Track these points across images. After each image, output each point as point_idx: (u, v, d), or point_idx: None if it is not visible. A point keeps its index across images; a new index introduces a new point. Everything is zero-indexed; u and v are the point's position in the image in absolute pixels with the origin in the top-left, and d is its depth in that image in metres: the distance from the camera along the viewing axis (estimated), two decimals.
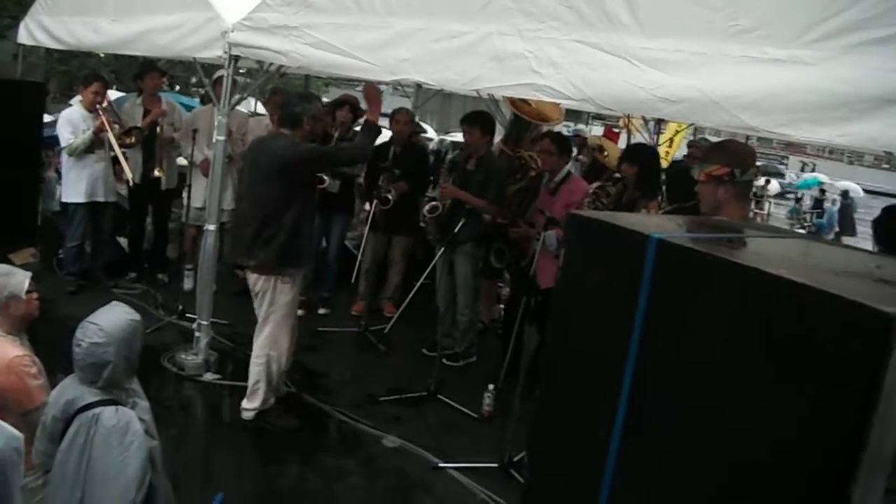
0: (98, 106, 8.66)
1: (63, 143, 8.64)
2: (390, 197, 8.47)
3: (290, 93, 7.22)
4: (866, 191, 37.49)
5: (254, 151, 6.50)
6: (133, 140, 8.87)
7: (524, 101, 8.45)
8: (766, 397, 2.14)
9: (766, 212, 29.13)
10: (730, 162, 4.01)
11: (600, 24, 4.62)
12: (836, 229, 27.87)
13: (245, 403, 6.33)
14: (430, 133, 11.30)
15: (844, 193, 30.89)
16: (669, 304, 2.49)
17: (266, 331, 6.25)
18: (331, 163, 6.99)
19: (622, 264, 2.67)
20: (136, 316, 3.79)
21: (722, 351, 2.29)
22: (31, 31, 9.59)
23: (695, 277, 2.42)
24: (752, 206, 29.31)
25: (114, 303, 3.87)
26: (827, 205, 30.97)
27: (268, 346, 6.25)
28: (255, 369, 6.29)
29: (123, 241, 9.84)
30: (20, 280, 4.26)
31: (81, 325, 3.64)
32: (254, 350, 6.33)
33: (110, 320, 3.64)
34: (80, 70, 18.51)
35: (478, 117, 7.97)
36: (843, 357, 1.95)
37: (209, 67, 8.48)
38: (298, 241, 6.11)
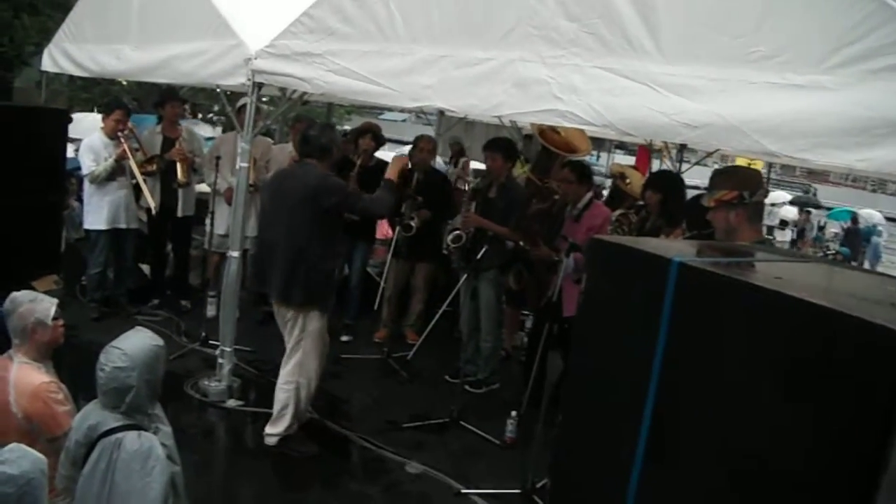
0: (119, 133, 8.73)
1: (85, 171, 8.69)
2: (413, 224, 8.46)
3: (312, 123, 7.18)
4: (889, 218, 37.27)
5: (279, 180, 6.54)
6: (154, 168, 8.94)
7: (554, 130, 8.48)
8: (786, 419, 2.14)
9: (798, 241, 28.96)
10: (737, 185, 4.07)
11: (622, 50, 4.66)
12: (880, 259, 27.20)
13: (269, 429, 6.32)
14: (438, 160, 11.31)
15: (854, 219, 30.65)
16: (691, 327, 2.49)
17: (296, 358, 6.24)
18: (353, 208, 6.61)
19: (644, 288, 2.67)
20: (160, 341, 3.81)
21: (743, 373, 2.30)
22: (54, 58, 9.65)
23: (716, 301, 2.43)
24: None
25: (137, 328, 3.89)
26: (874, 238, 30.24)
27: (297, 374, 6.24)
28: (282, 395, 6.27)
29: (146, 268, 9.90)
30: (47, 307, 4.30)
31: (105, 349, 3.66)
32: (281, 376, 6.32)
33: (134, 345, 3.66)
34: (102, 97, 18.63)
35: (500, 144, 7.97)
36: (863, 378, 1.96)
37: (232, 95, 8.53)
38: (325, 276, 6.14)
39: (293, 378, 6.24)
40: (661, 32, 4.51)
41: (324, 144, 6.17)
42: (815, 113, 3.93)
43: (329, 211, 6.10)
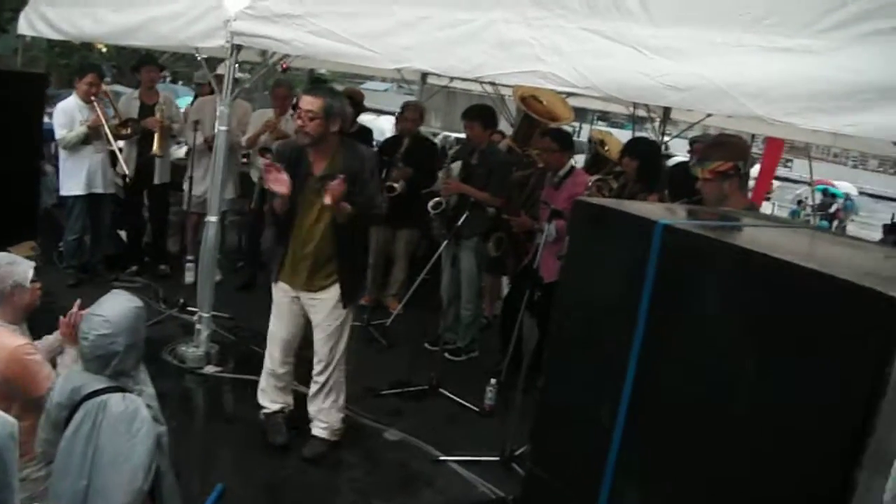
0: (93, 97, 8.65)
1: (57, 136, 8.61)
2: (396, 186, 8.40)
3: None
4: (866, 193, 37.49)
5: None
6: (129, 131, 8.87)
7: (536, 99, 8.45)
8: (772, 382, 2.13)
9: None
10: (732, 156, 4.14)
11: (608, 12, 4.60)
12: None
13: (325, 433, 5.96)
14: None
15: (824, 191, 30.73)
16: (675, 288, 2.49)
17: (343, 346, 5.88)
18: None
19: (628, 249, 2.67)
20: (138, 302, 3.80)
21: (728, 335, 2.29)
22: (31, 22, 9.41)
23: (701, 262, 2.42)
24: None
25: (114, 291, 3.86)
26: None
27: (344, 360, 5.93)
28: (336, 384, 5.94)
29: (123, 235, 9.83)
30: (24, 269, 4.28)
31: (85, 317, 3.66)
32: (323, 371, 5.87)
33: (115, 310, 3.64)
34: (81, 64, 18.50)
35: (478, 112, 7.92)
36: (852, 342, 1.95)
37: (210, 61, 8.44)
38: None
39: (342, 365, 5.93)
40: None
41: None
42: (802, 77, 3.90)
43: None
